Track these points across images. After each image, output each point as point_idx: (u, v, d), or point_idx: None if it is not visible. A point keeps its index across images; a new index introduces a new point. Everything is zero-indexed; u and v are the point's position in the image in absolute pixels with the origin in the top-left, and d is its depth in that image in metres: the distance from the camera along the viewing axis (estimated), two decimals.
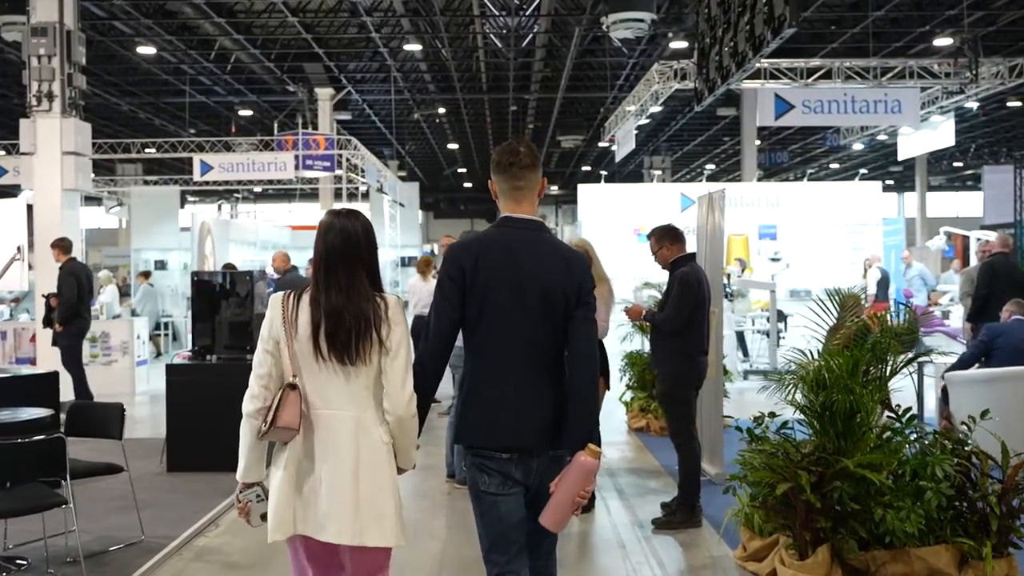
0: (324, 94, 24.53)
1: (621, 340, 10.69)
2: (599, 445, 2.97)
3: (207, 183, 23.80)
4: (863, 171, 25.91)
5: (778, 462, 4.22)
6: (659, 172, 32.65)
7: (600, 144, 35.23)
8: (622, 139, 19.41)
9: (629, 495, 6.73)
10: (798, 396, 4.51)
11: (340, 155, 22.69)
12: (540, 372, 3.04)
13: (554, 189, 51.77)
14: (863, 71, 15.38)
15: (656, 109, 18.97)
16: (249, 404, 3.02)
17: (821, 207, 18.32)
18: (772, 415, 4.77)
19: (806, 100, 14.25)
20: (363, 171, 23.23)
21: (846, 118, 15.00)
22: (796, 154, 32.15)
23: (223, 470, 7.17)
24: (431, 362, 3.05)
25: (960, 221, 43.69)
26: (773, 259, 15.33)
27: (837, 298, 6.56)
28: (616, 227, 17.96)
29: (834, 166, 38.61)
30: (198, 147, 23.47)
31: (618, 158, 21.51)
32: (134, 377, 12.51)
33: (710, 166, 40.34)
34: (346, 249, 3.01)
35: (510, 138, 3.59)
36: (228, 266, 12.61)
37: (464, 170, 43.19)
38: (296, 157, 20.66)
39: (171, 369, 7.62)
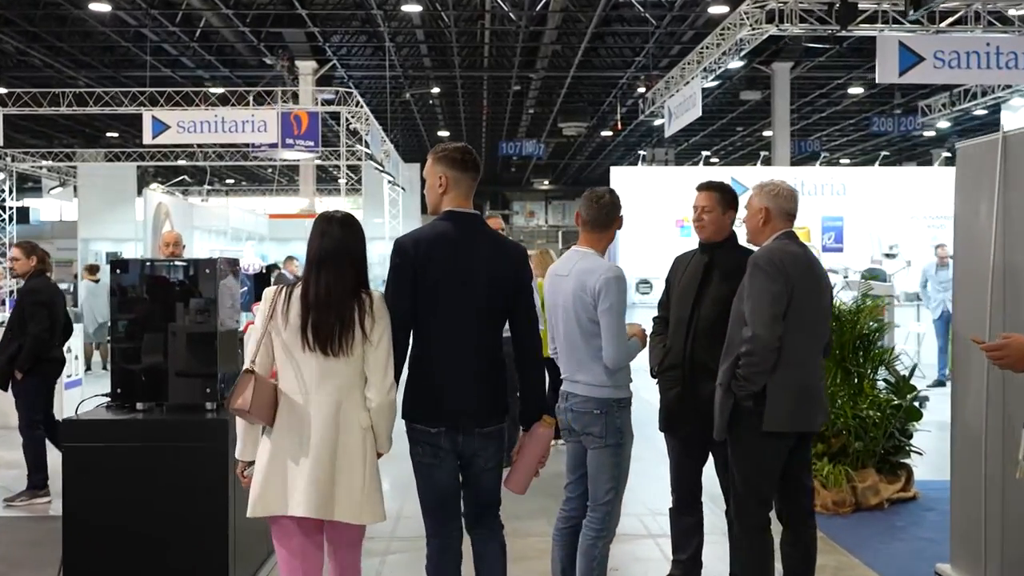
0: (306, 67, 21.79)
1: None
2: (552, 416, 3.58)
3: (166, 157, 20.44)
4: (946, 153, 23.21)
5: None
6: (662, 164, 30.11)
7: (604, 133, 32.83)
8: (677, 108, 16.56)
9: None
10: None
11: (339, 114, 19.57)
12: (478, 356, 3.40)
13: (545, 184, 49.26)
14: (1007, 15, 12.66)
15: (736, 64, 16.28)
16: None
17: (894, 196, 15.51)
18: None
19: (939, 51, 11.55)
20: (367, 142, 20.26)
21: (987, 74, 12.26)
22: (824, 142, 29.65)
23: None
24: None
25: None
26: (888, 255, 12.50)
27: None
28: (655, 218, 15.04)
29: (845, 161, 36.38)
30: (149, 100, 19.72)
31: (670, 132, 18.62)
32: (62, 404, 9.54)
33: (714, 160, 37.99)
34: (338, 254, 3.28)
35: (458, 142, 3.67)
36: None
37: None
38: (278, 115, 17.51)
39: (71, 429, 4.22)
